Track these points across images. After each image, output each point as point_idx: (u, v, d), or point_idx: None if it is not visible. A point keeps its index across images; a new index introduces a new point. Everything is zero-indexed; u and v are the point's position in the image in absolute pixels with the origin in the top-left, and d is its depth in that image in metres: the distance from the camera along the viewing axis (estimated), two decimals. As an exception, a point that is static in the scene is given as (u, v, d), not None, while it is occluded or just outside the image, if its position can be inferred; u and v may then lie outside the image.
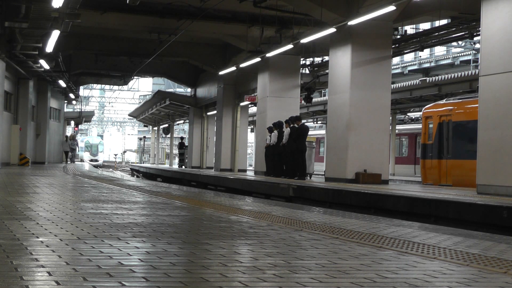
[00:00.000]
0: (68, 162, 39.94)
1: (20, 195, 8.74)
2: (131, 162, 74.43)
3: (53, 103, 36.54)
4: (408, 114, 37.74)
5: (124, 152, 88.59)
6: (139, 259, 3.67)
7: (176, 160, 46.19)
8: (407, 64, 46.53)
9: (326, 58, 26.99)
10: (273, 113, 24.00)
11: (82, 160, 64.82)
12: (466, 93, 23.14)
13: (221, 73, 28.50)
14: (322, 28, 18.52)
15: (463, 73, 26.02)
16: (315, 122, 44.37)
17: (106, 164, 67.70)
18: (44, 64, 24.83)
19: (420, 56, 44.98)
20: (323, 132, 41.02)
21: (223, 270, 3.36)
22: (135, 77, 42.89)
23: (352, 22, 17.00)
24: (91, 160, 66.14)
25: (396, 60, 44.06)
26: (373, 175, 17.65)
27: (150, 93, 68.42)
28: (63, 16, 17.02)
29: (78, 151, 58.89)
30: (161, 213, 6.64)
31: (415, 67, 45.72)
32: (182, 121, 52.20)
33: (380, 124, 18.13)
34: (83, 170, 24.95)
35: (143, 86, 78.70)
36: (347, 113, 17.99)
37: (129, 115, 64.67)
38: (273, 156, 21.64)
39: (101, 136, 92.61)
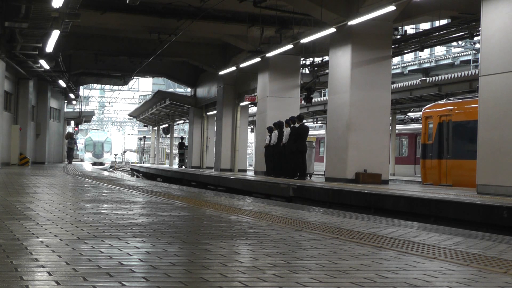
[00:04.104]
0: (66, 162, 39.62)
1: (20, 195, 8.74)
2: (131, 162, 74.09)
3: (53, 103, 36.54)
4: (408, 114, 37.73)
5: (124, 152, 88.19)
6: (139, 259, 3.67)
7: (176, 160, 46.10)
8: (407, 64, 46.52)
9: (326, 58, 26.98)
10: (273, 113, 23.99)
11: (82, 160, 63.28)
12: (466, 93, 23.13)
13: (221, 73, 28.50)
14: (322, 28, 18.52)
15: (463, 73, 26.02)
16: (315, 122, 44.36)
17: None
18: (44, 64, 24.83)
19: (420, 56, 44.97)
20: (323, 132, 41.02)
21: (223, 270, 3.36)
22: (135, 77, 42.89)
23: (352, 22, 17.00)
24: (94, 163, 56.91)
25: (396, 60, 44.06)
26: (373, 175, 17.65)
27: (150, 93, 68.17)
28: (63, 16, 17.02)
29: (77, 150, 57.19)
30: (161, 213, 6.64)
31: (415, 67, 45.71)
32: (182, 121, 52.20)
33: (380, 124, 18.13)
34: (83, 170, 24.94)
35: (143, 86, 78.66)
36: (347, 113, 17.99)
37: (129, 115, 64.45)
38: (273, 156, 21.63)
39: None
